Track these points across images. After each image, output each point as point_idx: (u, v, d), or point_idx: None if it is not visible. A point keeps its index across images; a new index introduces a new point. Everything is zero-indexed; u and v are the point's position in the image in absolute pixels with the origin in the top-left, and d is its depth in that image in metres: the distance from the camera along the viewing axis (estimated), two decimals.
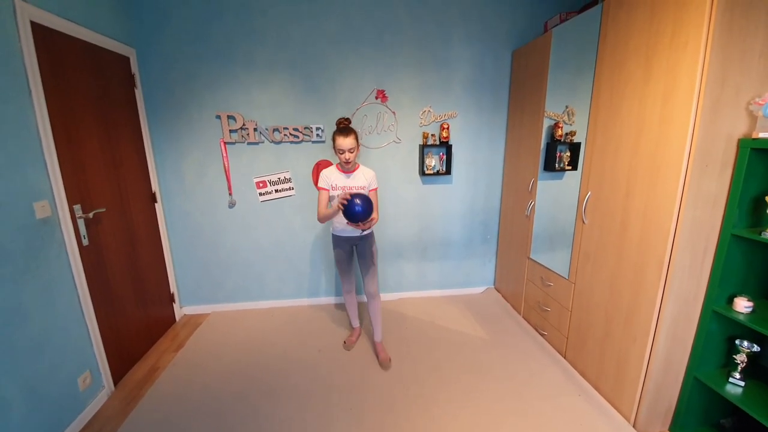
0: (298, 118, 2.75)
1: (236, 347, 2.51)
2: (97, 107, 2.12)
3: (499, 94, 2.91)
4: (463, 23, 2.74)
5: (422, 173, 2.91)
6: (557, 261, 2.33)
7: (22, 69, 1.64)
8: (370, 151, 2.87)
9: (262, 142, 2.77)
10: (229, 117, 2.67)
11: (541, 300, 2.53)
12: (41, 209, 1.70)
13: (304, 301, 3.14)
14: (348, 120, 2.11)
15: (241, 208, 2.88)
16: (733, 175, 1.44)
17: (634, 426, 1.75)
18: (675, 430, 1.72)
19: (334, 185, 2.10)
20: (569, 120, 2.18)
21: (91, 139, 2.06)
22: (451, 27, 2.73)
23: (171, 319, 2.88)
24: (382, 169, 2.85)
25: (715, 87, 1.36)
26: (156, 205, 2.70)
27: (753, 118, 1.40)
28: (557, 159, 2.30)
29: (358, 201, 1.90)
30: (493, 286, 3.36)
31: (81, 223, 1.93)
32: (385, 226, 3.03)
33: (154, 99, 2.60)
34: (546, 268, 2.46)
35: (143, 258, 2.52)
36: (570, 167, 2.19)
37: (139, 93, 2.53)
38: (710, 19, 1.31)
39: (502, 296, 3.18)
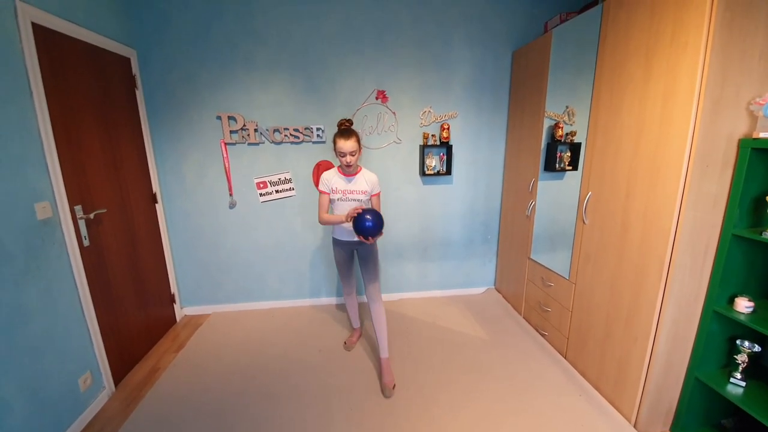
0: (298, 118, 2.76)
1: (237, 348, 2.51)
2: (98, 108, 2.12)
3: (500, 95, 2.91)
4: (464, 23, 2.74)
5: (423, 174, 2.91)
6: (558, 261, 2.33)
7: (23, 70, 1.64)
8: (370, 152, 2.87)
9: (263, 143, 2.77)
10: (229, 118, 2.68)
11: (541, 300, 2.53)
12: (42, 210, 1.70)
13: (305, 302, 3.14)
14: (350, 121, 2.07)
15: (242, 208, 2.88)
16: (733, 175, 1.44)
17: (635, 426, 1.75)
18: (676, 430, 1.71)
19: (334, 188, 2.05)
20: (570, 120, 2.18)
21: (91, 139, 2.06)
22: (451, 27, 2.73)
23: (171, 320, 2.88)
24: (383, 170, 2.85)
25: (716, 87, 1.36)
26: (156, 205, 2.70)
27: (753, 118, 1.40)
28: (558, 159, 2.30)
29: (368, 216, 1.87)
30: (493, 287, 3.36)
31: (82, 223, 1.94)
32: (385, 227, 2.99)
33: (154, 100, 2.61)
34: (546, 268, 2.46)
35: (144, 259, 2.52)
36: (570, 167, 2.19)
37: (139, 94, 2.53)
38: (710, 19, 1.31)
39: (503, 297, 3.18)
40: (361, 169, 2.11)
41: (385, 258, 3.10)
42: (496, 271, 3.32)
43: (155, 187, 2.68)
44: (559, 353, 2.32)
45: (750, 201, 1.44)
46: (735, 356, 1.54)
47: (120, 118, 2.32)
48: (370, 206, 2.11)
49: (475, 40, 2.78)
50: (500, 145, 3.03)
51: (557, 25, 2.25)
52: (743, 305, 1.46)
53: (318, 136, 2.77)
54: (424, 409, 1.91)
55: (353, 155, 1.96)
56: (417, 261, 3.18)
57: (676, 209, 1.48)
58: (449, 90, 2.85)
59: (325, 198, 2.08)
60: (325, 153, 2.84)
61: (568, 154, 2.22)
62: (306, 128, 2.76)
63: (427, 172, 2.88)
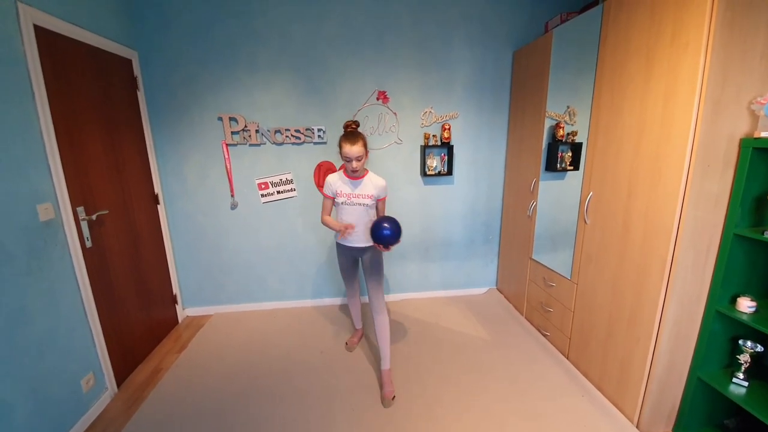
0: (299, 119, 2.76)
1: (239, 348, 2.51)
2: (100, 110, 2.13)
3: (500, 95, 2.91)
4: (464, 24, 2.74)
5: (424, 174, 2.91)
6: (559, 261, 2.33)
7: (25, 72, 1.65)
8: (371, 152, 2.87)
9: (264, 144, 2.78)
10: (231, 119, 2.68)
11: (543, 301, 2.53)
12: (44, 211, 1.71)
13: (307, 303, 3.14)
14: (356, 123, 2.00)
15: (243, 209, 2.88)
16: (735, 174, 1.44)
17: (637, 427, 1.75)
18: (678, 430, 1.71)
19: (338, 192, 1.99)
20: (571, 120, 2.18)
21: (93, 141, 2.07)
22: (451, 28, 2.74)
23: (174, 321, 2.88)
24: (384, 171, 2.85)
25: (717, 87, 1.36)
26: (158, 207, 2.71)
27: (755, 117, 1.40)
28: (559, 159, 2.30)
29: (386, 225, 1.83)
30: (495, 287, 3.36)
31: (84, 225, 1.94)
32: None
33: (156, 101, 2.61)
34: (548, 268, 2.46)
35: (146, 260, 2.52)
36: (572, 167, 2.19)
37: (141, 95, 2.54)
38: (711, 19, 1.31)
39: (505, 297, 3.18)
40: (368, 172, 2.02)
41: (387, 258, 3.09)
42: (497, 271, 3.32)
43: (157, 189, 2.69)
44: (562, 354, 2.32)
45: (751, 200, 1.44)
46: (737, 356, 1.54)
47: (122, 120, 2.33)
48: (374, 210, 2.07)
49: (475, 41, 2.78)
50: (501, 146, 3.03)
51: (558, 25, 2.25)
52: (745, 305, 1.46)
53: (319, 137, 2.78)
54: (427, 409, 1.91)
55: (359, 160, 1.88)
56: (419, 261, 3.18)
57: (678, 209, 1.48)
58: (450, 90, 2.85)
59: (328, 202, 2.04)
60: (327, 154, 2.85)
61: (570, 154, 2.22)
62: (307, 129, 2.76)
63: (428, 173, 2.88)
